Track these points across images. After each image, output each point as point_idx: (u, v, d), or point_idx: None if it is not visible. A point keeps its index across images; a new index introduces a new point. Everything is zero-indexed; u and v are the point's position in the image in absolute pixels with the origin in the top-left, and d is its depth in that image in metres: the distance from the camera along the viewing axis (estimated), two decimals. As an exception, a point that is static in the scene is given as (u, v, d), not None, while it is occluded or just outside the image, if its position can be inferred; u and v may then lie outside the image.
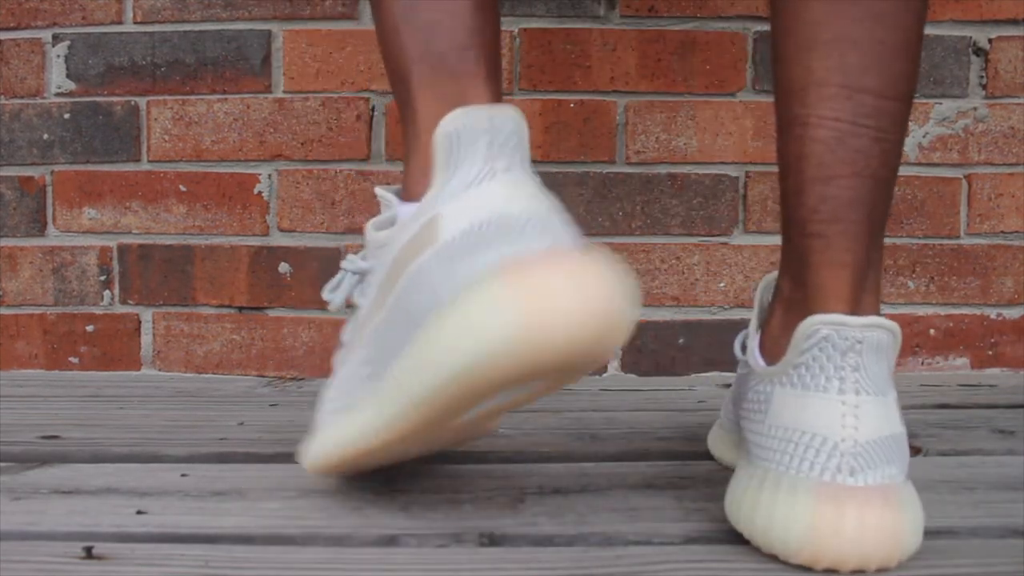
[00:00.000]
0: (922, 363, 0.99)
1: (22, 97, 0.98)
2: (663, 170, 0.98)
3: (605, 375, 0.98)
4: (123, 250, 0.98)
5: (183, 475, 0.62)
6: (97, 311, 0.99)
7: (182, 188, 0.98)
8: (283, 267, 0.98)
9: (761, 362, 0.52)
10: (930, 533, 0.51)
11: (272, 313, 0.98)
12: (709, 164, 0.98)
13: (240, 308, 0.98)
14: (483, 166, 0.44)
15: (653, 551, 0.49)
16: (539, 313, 0.36)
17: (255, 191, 0.98)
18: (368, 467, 0.55)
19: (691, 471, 0.63)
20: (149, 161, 0.98)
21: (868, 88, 0.48)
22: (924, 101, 0.98)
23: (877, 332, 0.46)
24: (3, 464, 0.64)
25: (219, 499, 0.57)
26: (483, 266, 0.41)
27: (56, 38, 0.97)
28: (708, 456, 0.67)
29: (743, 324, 0.99)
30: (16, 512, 0.54)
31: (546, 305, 0.37)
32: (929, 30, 0.97)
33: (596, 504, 0.56)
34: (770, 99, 0.97)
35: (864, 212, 0.50)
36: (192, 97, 0.97)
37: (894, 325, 0.47)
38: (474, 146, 0.44)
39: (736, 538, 0.51)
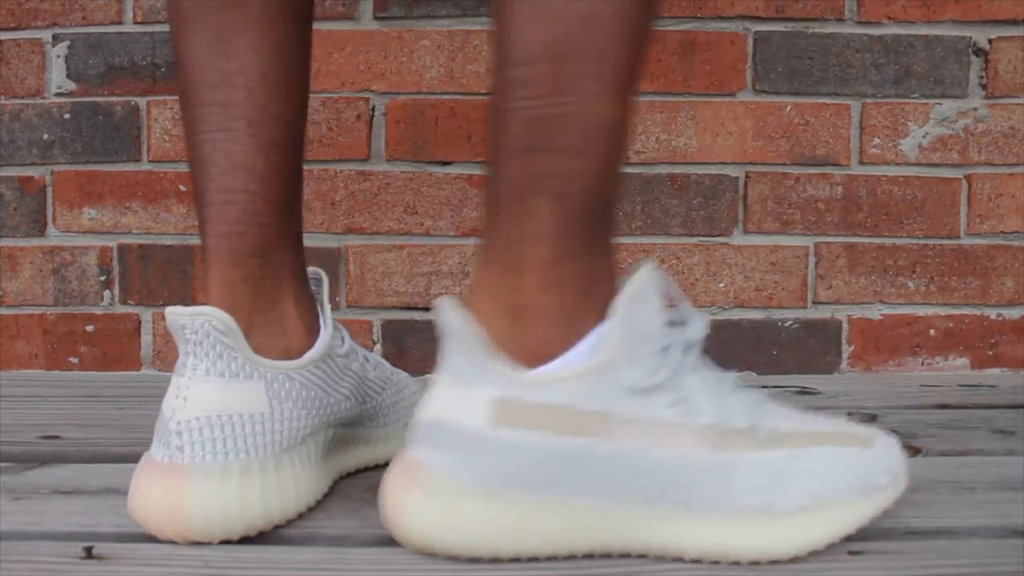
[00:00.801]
0: (922, 363, 0.99)
1: (22, 97, 0.98)
2: (663, 170, 0.98)
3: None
4: (123, 250, 0.98)
5: (183, 475, 0.61)
6: (97, 311, 0.99)
7: (182, 188, 0.98)
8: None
9: None
10: (930, 533, 0.51)
11: (272, 313, 0.98)
12: (709, 164, 0.98)
13: (240, 308, 0.98)
14: (181, 359, 0.51)
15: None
16: (131, 504, 0.50)
17: (255, 191, 0.98)
18: None
19: (691, 471, 0.63)
20: (149, 161, 0.98)
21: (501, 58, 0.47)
22: (924, 101, 0.98)
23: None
24: (3, 464, 0.64)
25: (219, 499, 0.57)
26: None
27: (56, 38, 0.97)
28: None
29: (743, 324, 0.99)
30: (16, 512, 0.54)
31: (134, 504, 0.50)
32: (929, 30, 0.97)
33: (596, 504, 0.56)
34: (770, 99, 0.97)
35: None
36: (192, 97, 0.97)
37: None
38: (178, 338, 0.51)
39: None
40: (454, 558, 0.47)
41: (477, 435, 0.46)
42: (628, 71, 0.47)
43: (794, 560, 0.48)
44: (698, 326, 0.49)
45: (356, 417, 0.61)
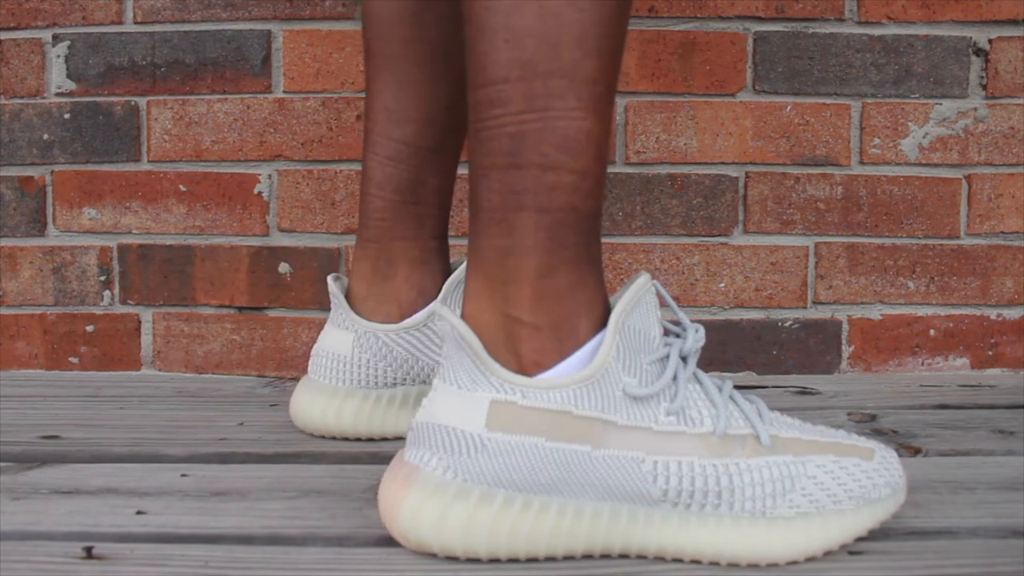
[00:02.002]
0: (922, 363, 0.99)
1: (22, 97, 0.98)
2: (663, 170, 0.98)
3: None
4: (123, 250, 0.98)
5: (183, 475, 0.62)
6: (97, 311, 0.99)
7: (182, 188, 0.98)
8: (283, 267, 0.98)
9: None
10: (930, 533, 0.51)
11: (272, 313, 0.98)
12: (709, 164, 0.98)
13: (240, 308, 0.98)
14: None
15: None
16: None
17: (255, 191, 0.98)
18: None
19: (691, 471, 0.63)
20: (149, 161, 0.98)
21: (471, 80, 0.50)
22: (924, 101, 0.98)
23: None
24: (3, 464, 0.64)
25: (219, 499, 0.57)
26: None
27: (56, 38, 0.97)
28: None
29: (743, 324, 0.99)
30: (16, 512, 0.54)
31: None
32: (929, 30, 0.97)
33: (596, 504, 0.56)
34: (770, 99, 0.97)
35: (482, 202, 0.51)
36: (192, 97, 0.97)
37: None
38: None
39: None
40: (452, 558, 0.47)
41: (474, 438, 0.47)
42: (600, 84, 0.48)
43: (792, 563, 0.48)
44: (695, 335, 0.51)
45: None
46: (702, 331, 0.52)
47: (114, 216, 0.98)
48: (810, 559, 0.48)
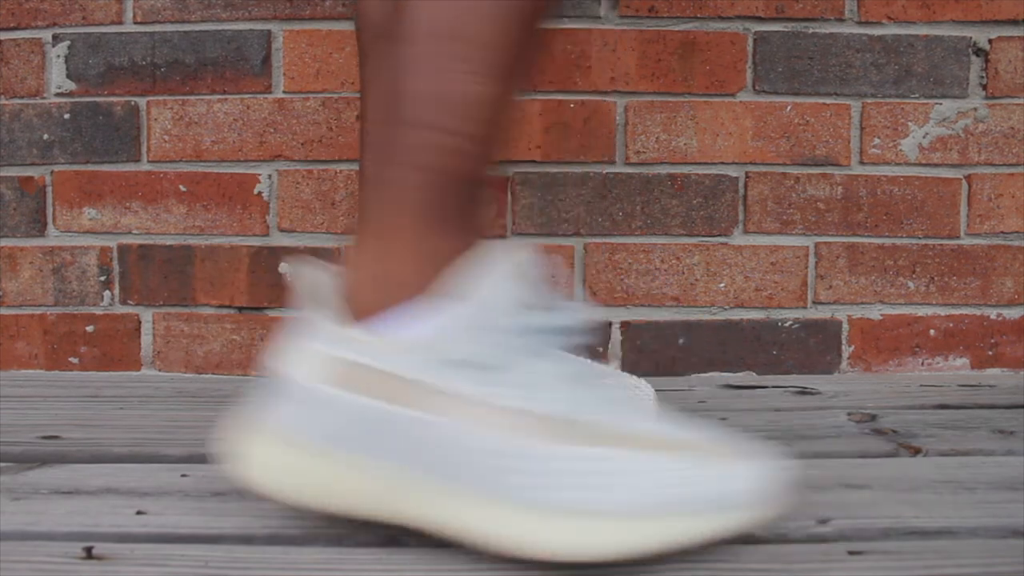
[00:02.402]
0: (922, 363, 0.99)
1: (22, 97, 0.98)
2: (663, 170, 0.98)
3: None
4: (123, 250, 0.98)
5: (183, 475, 0.62)
6: (97, 311, 0.99)
7: (182, 188, 0.98)
8: (283, 267, 0.98)
9: None
10: (930, 533, 0.51)
11: (272, 313, 0.98)
12: (709, 164, 0.98)
13: (240, 308, 0.98)
14: None
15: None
16: None
17: (255, 191, 0.98)
18: None
19: (691, 471, 0.63)
20: (149, 161, 0.98)
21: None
22: (924, 101, 0.98)
23: None
24: (3, 464, 0.64)
25: (219, 499, 0.57)
26: None
27: (56, 38, 0.97)
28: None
29: (743, 324, 0.99)
30: (16, 512, 0.54)
31: None
32: (929, 30, 0.97)
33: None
34: (770, 99, 0.97)
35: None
36: (192, 97, 0.97)
37: None
38: None
39: (736, 538, 0.51)
40: (296, 508, 0.49)
41: (304, 389, 0.48)
42: (505, 55, 0.48)
43: (799, 560, 0.48)
44: (566, 315, 0.49)
45: None
46: (578, 313, 0.49)
47: (114, 216, 0.98)
48: (598, 563, 0.45)
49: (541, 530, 0.44)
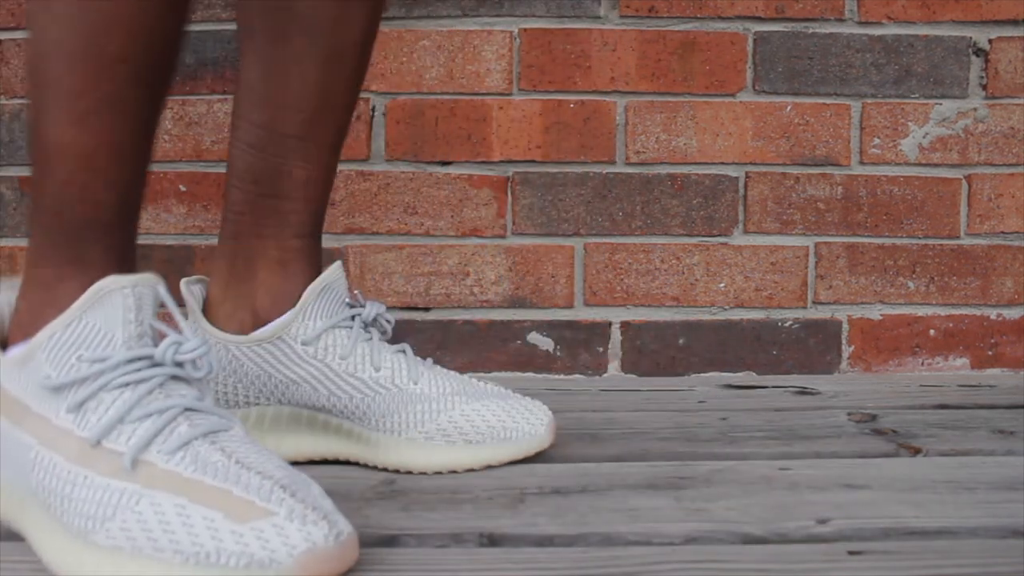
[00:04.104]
0: (922, 363, 0.99)
1: (22, 97, 0.98)
2: (663, 170, 0.98)
3: (605, 375, 0.98)
4: (123, 250, 0.98)
5: (183, 475, 0.62)
6: (97, 311, 0.99)
7: (182, 188, 0.98)
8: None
9: None
10: (930, 533, 0.51)
11: (272, 313, 0.98)
12: (709, 164, 0.98)
13: (240, 308, 0.98)
14: None
15: (653, 551, 0.49)
16: None
17: (255, 191, 0.98)
18: None
19: (691, 471, 0.63)
20: (149, 161, 0.98)
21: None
22: (924, 101, 0.98)
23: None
24: (3, 464, 0.64)
25: (219, 499, 0.57)
26: None
27: (56, 38, 0.97)
28: (708, 456, 0.67)
29: (743, 324, 0.99)
30: (16, 512, 0.54)
31: None
32: (929, 30, 0.97)
33: (596, 504, 0.56)
34: (770, 99, 0.97)
35: None
36: (192, 97, 0.97)
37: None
38: None
39: (736, 538, 0.51)
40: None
41: None
42: (84, 97, 0.49)
43: (799, 560, 0.48)
44: (166, 347, 0.49)
45: (327, 406, 0.64)
46: (192, 343, 0.49)
47: (114, 216, 0.98)
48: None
49: (79, 559, 0.45)
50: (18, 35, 0.97)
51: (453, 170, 0.97)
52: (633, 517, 0.54)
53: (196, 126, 0.97)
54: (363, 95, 0.97)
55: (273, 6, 0.63)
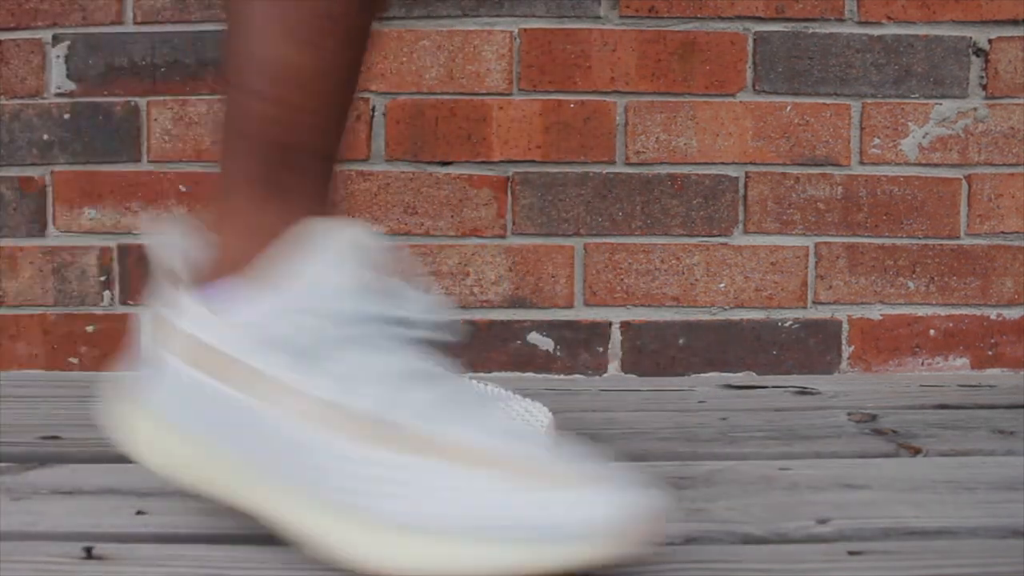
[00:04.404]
0: (922, 363, 0.99)
1: (22, 97, 0.98)
2: (663, 170, 0.98)
3: (605, 375, 0.98)
4: (123, 251, 0.98)
5: (183, 475, 0.62)
6: (97, 311, 0.99)
7: (182, 188, 0.98)
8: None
9: None
10: (930, 533, 0.51)
11: (272, 313, 0.98)
12: (709, 164, 0.98)
13: (240, 308, 0.98)
14: None
15: (653, 551, 0.49)
16: None
17: (255, 191, 0.98)
18: None
19: (691, 471, 0.63)
20: (149, 161, 0.98)
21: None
22: (924, 101, 0.98)
23: None
24: (3, 464, 0.64)
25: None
26: None
27: (56, 38, 0.97)
28: (708, 456, 0.67)
29: (743, 324, 0.99)
30: (16, 512, 0.54)
31: None
32: (929, 30, 0.97)
33: (596, 504, 0.56)
34: (770, 99, 0.97)
35: None
36: (192, 97, 0.97)
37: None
38: None
39: (736, 538, 0.51)
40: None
41: (163, 365, 0.47)
42: (327, 21, 0.46)
43: (799, 560, 0.48)
44: (409, 306, 0.45)
45: None
46: (428, 305, 0.45)
47: (114, 216, 0.98)
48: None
49: (359, 541, 0.41)
50: (18, 35, 0.97)
51: (453, 170, 0.97)
52: (633, 517, 0.54)
53: (196, 126, 0.97)
54: (363, 95, 0.97)
55: None
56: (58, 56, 0.97)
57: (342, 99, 0.48)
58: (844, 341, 0.99)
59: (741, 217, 0.98)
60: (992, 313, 0.99)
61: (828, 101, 0.98)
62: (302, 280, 0.44)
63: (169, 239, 0.48)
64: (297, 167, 0.47)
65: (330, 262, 0.44)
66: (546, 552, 0.39)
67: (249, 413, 0.43)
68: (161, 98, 0.97)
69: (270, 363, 0.43)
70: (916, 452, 0.68)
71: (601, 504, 0.39)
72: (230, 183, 0.48)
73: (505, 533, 0.39)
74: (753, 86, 0.97)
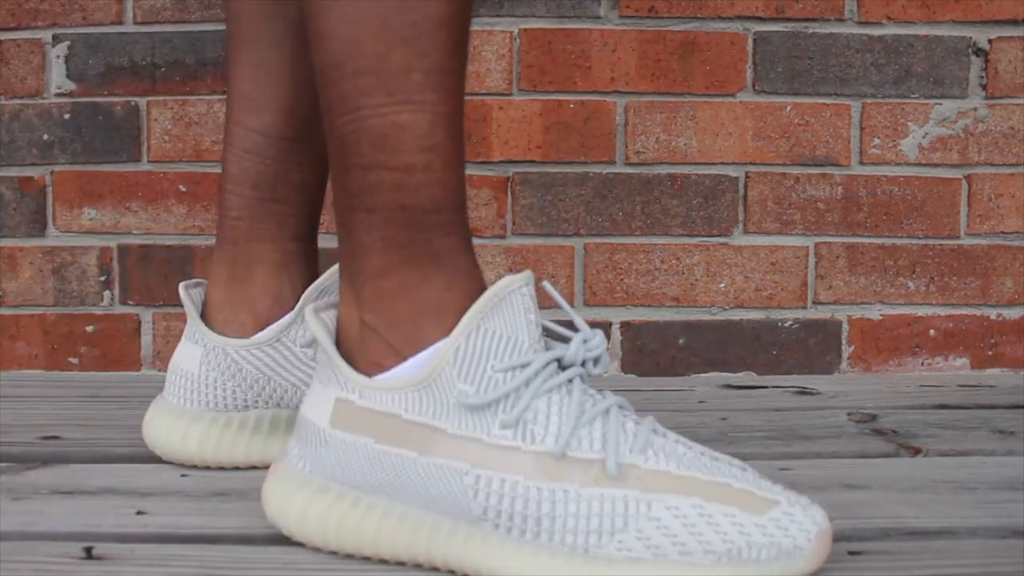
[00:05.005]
0: (922, 363, 0.99)
1: (22, 97, 0.98)
2: (663, 170, 0.98)
3: (605, 375, 0.98)
4: (123, 250, 0.98)
5: (183, 475, 0.62)
6: (97, 311, 0.99)
7: (182, 188, 0.98)
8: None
9: None
10: (930, 533, 0.51)
11: (272, 313, 0.98)
12: (709, 164, 0.98)
13: (240, 308, 0.98)
14: None
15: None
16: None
17: (255, 191, 0.98)
18: None
19: (691, 471, 0.63)
20: (149, 161, 0.98)
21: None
22: (924, 101, 0.98)
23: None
24: (3, 464, 0.64)
25: (219, 499, 0.57)
26: None
27: (56, 38, 0.97)
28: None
29: (743, 324, 0.99)
30: (16, 512, 0.54)
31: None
32: (929, 30, 0.97)
33: (596, 504, 0.56)
34: (770, 99, 0.97)
35: None
36: (192, 97, 0.97)
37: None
38: None
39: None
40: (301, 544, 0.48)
41: (321, 432, 0.48)
42: (413, 72, 0.46)
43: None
44: (580, 345, 0.47)
45: None
46: (597, 338, 0.47)
47: (114, 216, 0.98)
48: None
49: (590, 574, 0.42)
50: (18, 35, 0.97)
51: (453, 170, 0.97)
52: (633, 517, 0.54)
53: (196, 126, 0.97)
54: (363, 95, 0.97)
55: (268, 14, 0.63)
56: (58, 56, 0.97)
57: (459, 148, 0.49)
58: (844, 341, 0.99)
59: (741, 217, 0.98)
60: (992, 313, 0.99)
61: (828, 101, 0.98)
62: (472, 336, 0.45)
63: (325, 315, 0.50)
64: (445, 228, 0.48)
65: (501, 317, 0.46)
66: (771, 571, 0.42)
67: (460, 474, 0.45)
68: (161, 98, 0.97)
69: (474, 427, 0.45)
70: (916, 452, 0.68)
71: (799, 527, 0.43)
72: (376, 261, 0.48)
73: (730, 556, 0.42)
74: (753, 86, 0.97)
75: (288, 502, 0.48)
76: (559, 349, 0.47)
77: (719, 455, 0.46)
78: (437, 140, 0.47)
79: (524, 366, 0.45)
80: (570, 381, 0.46)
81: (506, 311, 0.46)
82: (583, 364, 0.47)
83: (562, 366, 0.47)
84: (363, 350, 0.49)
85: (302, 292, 0.64)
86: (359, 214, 0.48)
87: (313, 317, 0.49)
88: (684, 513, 0.42)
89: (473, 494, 0.44)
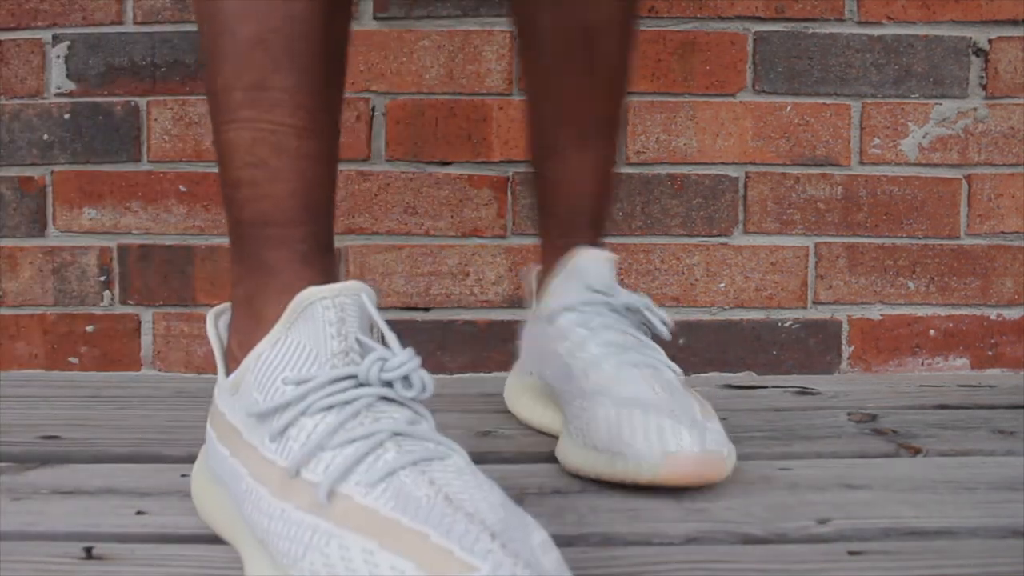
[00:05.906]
0: (922, 363, 0.99)
1: (22, 97, 0.98)
2: (663, 170, 0.98)
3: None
4: (123, 250, 0.98)
5: (183, 475, 0.62)
6: (97, 311, 0.99)
7: (182, 188, 0.98)
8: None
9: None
10: (930, 533, 0.51)
11: (272, 313, 0.98)
12: (709, 164, 0.98)
13: (240, 308, 0.98)
14: None
15: (653, 551, 0.49)
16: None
17: (255, 191, 0.98)
18: None
19: (691, 471, 0.63)
20: (149, 161, 0.98)
21: None
22: (924, 101, 0.98)
23: None
24: (3, 464, 0.64)
25: (219, 499, 0.57)
26: None
27: (56, 38, 0.97)
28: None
29: (743, 324, 0.99)
30: (16, 512, 0.54)
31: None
32: (929, 30, 0.97)
33: (596, 504, 0.56)
34: (770, 99, 0.97)
35: None
36: (192, 97, 0.97)
37: None
38: None
39: (736, 538, 0.51)
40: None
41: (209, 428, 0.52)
42: (231, 94, 0.49)
43: (799, 560, 0.48)
44: (370, 365, 0.44)
45: (552, 385, 0.69)
46: (399, 358, 0.44)
47: (114, 216, 0.98)
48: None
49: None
50: (18, 35, 0.97)
51: (453, 170, 0.97)
52: (633, 517, 0.54)
53: (196, 126, 0.97)
54: (363, 95, 0.97)
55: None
56: (58, 56, 0.97)
57: (295, 165, 0.50)
58: (844, 341, 0.99)
59: (741, 217, 0.98)
60: (992, 313, 0.99)
61: (828, 101, 0.98)
62: (286, 351, 0.45)
63: (216, 325, 0.54)
64: (274, 242, 0.50)
65: (311, 330, 0.45)
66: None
67: (240, 479, 0.46)
68: (161, 98, 0.97)
69: (255, 435, 0.46)
70: (916, 452, 0.68)
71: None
72: (233, 271, 0.52)
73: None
74: (753, 86, 0.97)
75: (195, 489, 0.54)
76: (354, 368, 0.44)
77: (490, 511, 0.39)
78: (259, 156, 0.49)
79: (306, 381, 0.44)
80: (363, 402, 0.43)
81: (309, 323, 0.45)
82: (389, 385, 0.44)
83: (360, 384, 0.44)
84: (230, 352, 0.52)
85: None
86: (228, 225, 0.52)
87: (211, 321, 0.54)
88: (351, 556, 0.38)
89: (243, 499, 0.45)
